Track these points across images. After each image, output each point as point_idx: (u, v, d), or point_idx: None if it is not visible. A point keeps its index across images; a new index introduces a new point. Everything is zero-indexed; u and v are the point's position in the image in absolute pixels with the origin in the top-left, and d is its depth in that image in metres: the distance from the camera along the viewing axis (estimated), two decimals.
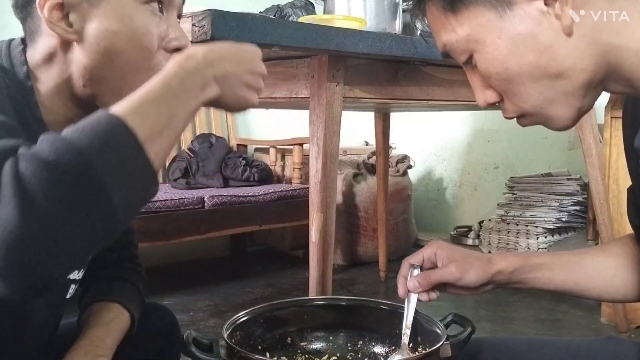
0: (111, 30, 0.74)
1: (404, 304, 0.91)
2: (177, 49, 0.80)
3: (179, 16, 0.84)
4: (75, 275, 0.89)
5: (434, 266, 0.91)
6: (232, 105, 0.75)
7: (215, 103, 0.72)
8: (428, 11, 0.74)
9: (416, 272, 0.90)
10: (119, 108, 0.60)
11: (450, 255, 0.90)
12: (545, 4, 0.68)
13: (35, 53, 0.77)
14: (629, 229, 0.91)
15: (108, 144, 0.56)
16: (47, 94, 0.77)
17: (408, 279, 0.90)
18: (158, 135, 0.61)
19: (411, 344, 0.91)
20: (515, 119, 0.76)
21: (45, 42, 0.76)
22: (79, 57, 0.76)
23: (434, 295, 0.90)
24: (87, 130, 0.55)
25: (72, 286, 0.90)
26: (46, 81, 0.77)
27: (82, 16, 0.74)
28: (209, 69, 0.70)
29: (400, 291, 0.91)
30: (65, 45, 0.76)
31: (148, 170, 0.59)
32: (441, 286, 0.90)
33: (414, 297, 0.90)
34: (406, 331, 0.89)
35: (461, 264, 0.88)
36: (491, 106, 0.76)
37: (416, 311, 0.90)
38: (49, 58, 0.77)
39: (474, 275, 0.88)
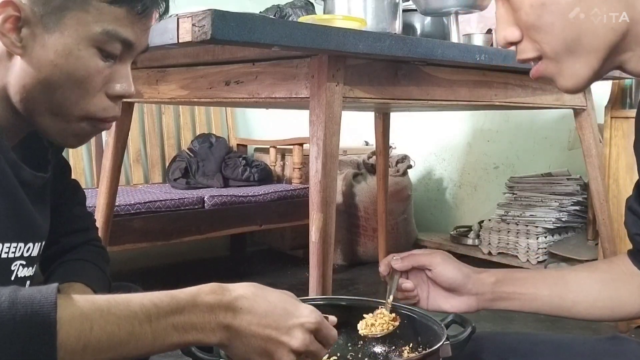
0: (54, 63, 0.74)
1: (403, 303, 0.93)
2: (120, 97, 0.80)
3: (135, 62, 0.83)
4: (27, 271, 0.86)
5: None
6: None
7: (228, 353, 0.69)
8: None
9: (396, 276, 0.93)
10: (68, 306, 0.58)
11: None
12: None
13: None
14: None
15: (20, 341, 0.55)
16: None
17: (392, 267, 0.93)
18: (90, 351, 0.58)
19: (411, 344, 0.91)
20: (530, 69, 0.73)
21: None
22: (18, 72, 0.75)
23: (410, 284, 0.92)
24: (16, 310, 0.55)
25: (27, 282, 0.87)
26: None
27: (34, 36, 0.74)
28: (221, 313, 0.68)
29: (382, 268, 0.95)
30: (10, 54, 0.75)
31: None
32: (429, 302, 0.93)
33: (396, 277, 0.93)
34: (388, 300, 0.93)
35: (446, 258, 0.92)
36: (508, 46, 0.73)
37: (416, 311, 0.90)
38: None
39: (451, 268, 0.91)
